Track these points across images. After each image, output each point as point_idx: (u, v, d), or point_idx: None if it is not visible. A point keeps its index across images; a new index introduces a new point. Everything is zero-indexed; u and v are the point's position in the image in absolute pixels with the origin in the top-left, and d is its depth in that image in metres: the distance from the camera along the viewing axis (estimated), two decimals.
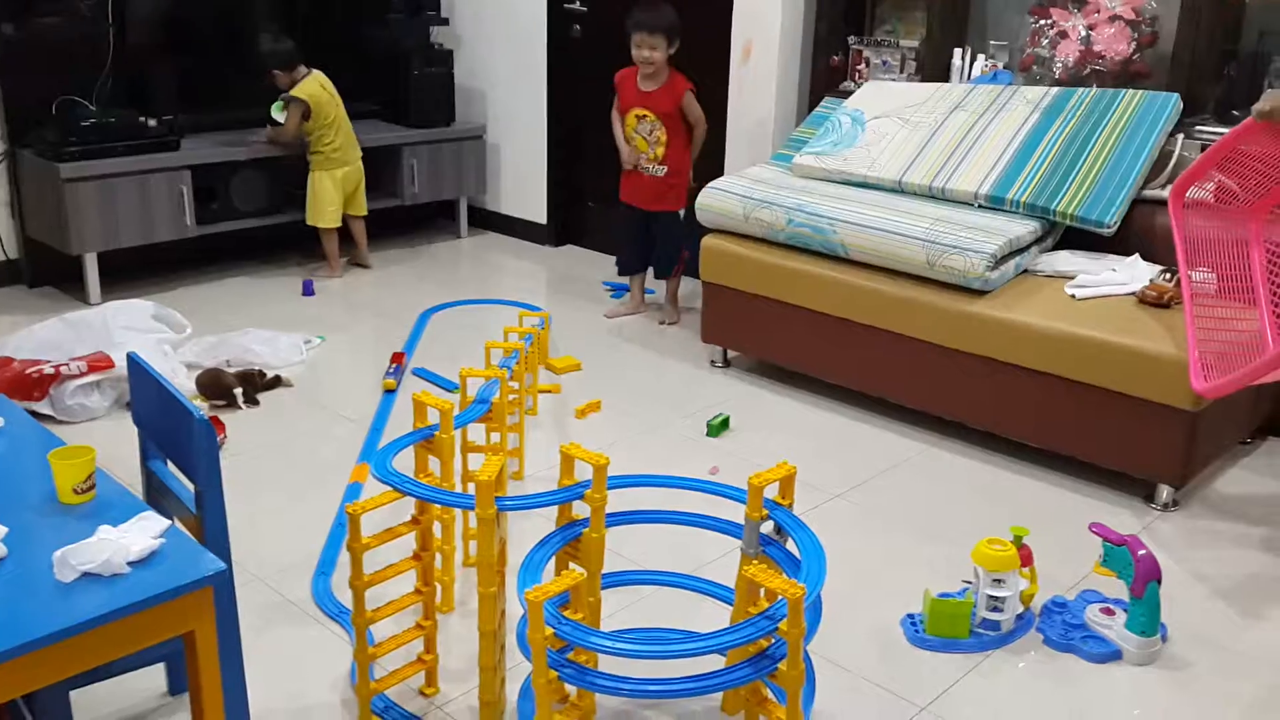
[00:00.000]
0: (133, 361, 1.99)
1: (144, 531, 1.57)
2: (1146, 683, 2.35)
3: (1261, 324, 2.88)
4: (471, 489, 2.28)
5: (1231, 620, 2.57)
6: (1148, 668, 2.39)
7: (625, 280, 4.68)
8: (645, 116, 4.28)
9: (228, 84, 5.06)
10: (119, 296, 4.06)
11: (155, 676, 2.19)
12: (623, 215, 4.53)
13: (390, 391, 3.68)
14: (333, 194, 4.87)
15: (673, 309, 4.54)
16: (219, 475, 1.79)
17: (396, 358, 3.86)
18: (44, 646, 1.39)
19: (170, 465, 1.99)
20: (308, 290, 4.74)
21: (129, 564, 1.51)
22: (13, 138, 4.52)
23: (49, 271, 4.66)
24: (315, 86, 4.74)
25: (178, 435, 1.83)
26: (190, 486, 1.85)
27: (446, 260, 5.38)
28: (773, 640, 1.85)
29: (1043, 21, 3.85)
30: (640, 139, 4.33)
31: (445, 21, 5.58)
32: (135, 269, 4.72)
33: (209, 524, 1.79)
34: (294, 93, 4.72)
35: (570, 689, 1.98)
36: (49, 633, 1.40)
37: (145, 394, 1.96)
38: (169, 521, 1.62)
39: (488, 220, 5.85)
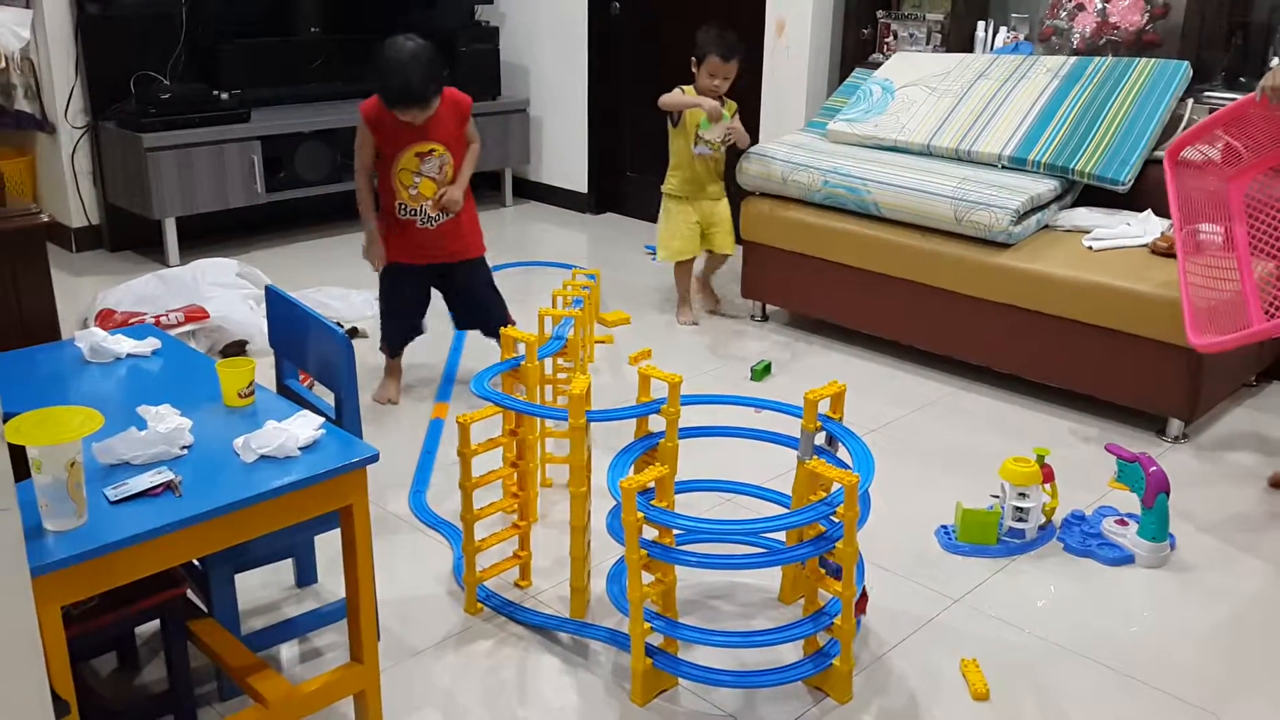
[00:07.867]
0: (272, 293, 2.29)
1: (306, 425, 1.88)
2: (1156, 582, 2.63)
3: (1244, 291, 3.12)
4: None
5: (1234, 534, 2.85)
6: (1157, 570, 2.67)
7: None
8: (432, 152, 3.24)
9: (287, 60, 5.36)
10: (194, 259, 4.32)
11: (285, 571, 2.51)
12: (394, 279, 3.44)
13: None
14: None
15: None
16: (355, 383, 2.09)
17: None
18: (238, 509, 1.70)
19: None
20: None
21: (299, 449, 1.82)
22: (94, 111, 4.83)
23: (128, 235, 4.99)
24: None
25: (320, 351, 2.13)
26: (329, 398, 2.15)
27: (495, 226, 5.67)
28: (825, 529, 2.14)
29: None
30: (426, 181, 3.27)
31: (490, 1, 5.86)
32: (208, 233, 5.03)
33: (347, 424, 2.09)
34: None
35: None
36: (242, 498, 1.70)
37: (285, 320, 2.26)
38: (323, 418, 1.92)
39: (531, 190, 6.15)
